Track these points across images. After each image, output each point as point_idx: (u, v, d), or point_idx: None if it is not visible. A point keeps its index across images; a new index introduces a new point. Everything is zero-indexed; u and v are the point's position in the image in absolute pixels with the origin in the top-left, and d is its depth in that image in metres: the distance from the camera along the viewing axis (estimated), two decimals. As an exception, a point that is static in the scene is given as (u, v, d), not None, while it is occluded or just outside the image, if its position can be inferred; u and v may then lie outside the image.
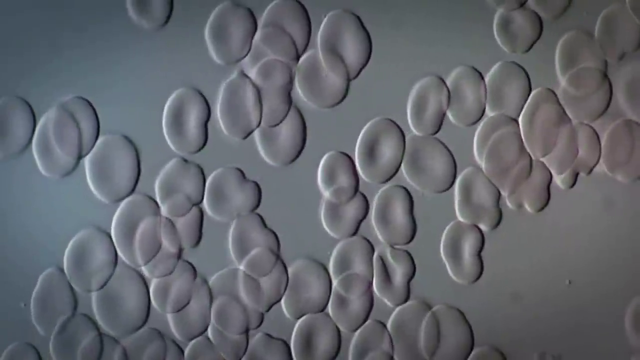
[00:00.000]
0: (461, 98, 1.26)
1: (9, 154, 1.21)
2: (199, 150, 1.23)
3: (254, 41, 1.24)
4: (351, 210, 1.25)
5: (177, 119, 1.23)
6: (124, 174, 1.22)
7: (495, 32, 1.26)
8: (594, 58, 1.27)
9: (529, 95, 1.26)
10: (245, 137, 1.24)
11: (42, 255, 1.22)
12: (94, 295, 1.22)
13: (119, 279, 1.22)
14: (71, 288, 1.22)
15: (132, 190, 1.22)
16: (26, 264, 1.21)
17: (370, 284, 1.25)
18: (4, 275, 1.21)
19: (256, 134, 1.24)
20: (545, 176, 1.27)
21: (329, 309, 1.25)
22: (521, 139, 1.26)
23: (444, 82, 1.25)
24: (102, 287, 1.22)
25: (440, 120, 1.25)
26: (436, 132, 1.25)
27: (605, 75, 1.27)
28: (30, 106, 1.21)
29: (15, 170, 1.22)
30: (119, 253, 1.22)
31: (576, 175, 1.27)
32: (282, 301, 1.24)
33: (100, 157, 1.22)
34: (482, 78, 1.25)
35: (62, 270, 1.22)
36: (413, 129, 1.25)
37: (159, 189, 1.22)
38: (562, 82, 1.26)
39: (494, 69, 1.26)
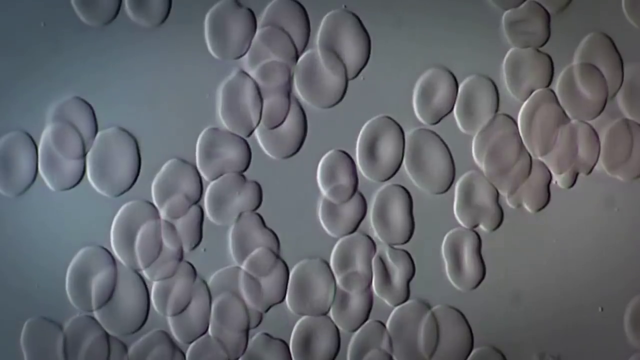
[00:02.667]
0: (471, 103, 1.26)
1: (18, 192, 1.21)
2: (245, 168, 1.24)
3: (253, 40, 1.23)
4: (350, 209, 1.25)
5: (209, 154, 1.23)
6: (123, 171, 1.22)
7: (504, 29, 1.25)
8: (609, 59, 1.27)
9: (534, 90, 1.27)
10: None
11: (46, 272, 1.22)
12: (93, 299, 1.22)
13: (120, 284, 1.22)
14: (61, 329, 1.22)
15: (132, 184, 1.22)
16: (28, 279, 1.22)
17: (370, 282, 1.25)
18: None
19: (256, 134, 1.24)
20: (544, 176, 1.26)
21: (330, 309, 1.25)
22: (520, 139, 1.26)
23: (453, 75, 1.25)
24: (103, 305, 1.22)
25: (444, 112, 1.25)
26: (437, 122, 1.25)
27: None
28: (32, 138, 1.21)
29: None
30: (119, 258, 1.22)
31: (576, 175, 1.27)
32: (283, 301, 1.24)
33: (99, 154, 1.22)
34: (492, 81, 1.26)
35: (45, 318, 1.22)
36: (418, 116, 1.25)
37: (157, 189, 1.22)
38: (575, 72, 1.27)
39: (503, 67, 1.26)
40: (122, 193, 1.22)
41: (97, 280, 1.21)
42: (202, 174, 1.22)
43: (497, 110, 1.26)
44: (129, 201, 1.22)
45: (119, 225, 1.21)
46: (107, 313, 1.22)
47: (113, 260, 1.22)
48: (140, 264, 1.22)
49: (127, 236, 1.22)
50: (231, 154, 1.23)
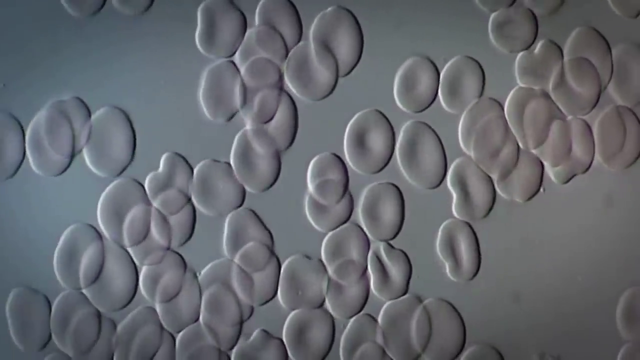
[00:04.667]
0: (457, 87, 1.26)
1: (5, 175, 1.22)
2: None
3: (245, 36, 1.24)
4: (340, 203, 1.24)
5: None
6: (118, 153, 1.22)
7: (490, 33, 1.27)
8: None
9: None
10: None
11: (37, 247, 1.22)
12: (82, 275, 1.21)
13: (108, 261, 1.22)
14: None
15: (126, 167, 1.22)
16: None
17: (363, 273, 1.24)
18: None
19: (247, 128, 1.24)
20: (538, 169, 1.26)
21: (325, 300, 1.24)
22: (507, 124, 1.26)
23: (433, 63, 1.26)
24: (92, 283, 1.21)
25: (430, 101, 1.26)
26: (423, 110, 1.26)
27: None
28: (19, 122, 1.22)
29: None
30: (109, 239, 1.22)
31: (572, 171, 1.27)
32: (277, 295, 1.24)
33: (93, 142, 1.23)
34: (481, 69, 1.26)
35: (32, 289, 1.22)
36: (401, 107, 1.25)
37: (149, 181, 1.22)
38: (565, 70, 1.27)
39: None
40: (119, 173, 1.22)
41: (88, 256, 1.21)
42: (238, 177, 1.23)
43: (481, 94, 1.26)
44: (119, 183, 1.22)
45: (107, 203, 1.21)
46: (96, 289, 1.21)
47: (100, 237, 1.21)
48: (127, 242, 1.21)
49: (117, 216, 1.22)
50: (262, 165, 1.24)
